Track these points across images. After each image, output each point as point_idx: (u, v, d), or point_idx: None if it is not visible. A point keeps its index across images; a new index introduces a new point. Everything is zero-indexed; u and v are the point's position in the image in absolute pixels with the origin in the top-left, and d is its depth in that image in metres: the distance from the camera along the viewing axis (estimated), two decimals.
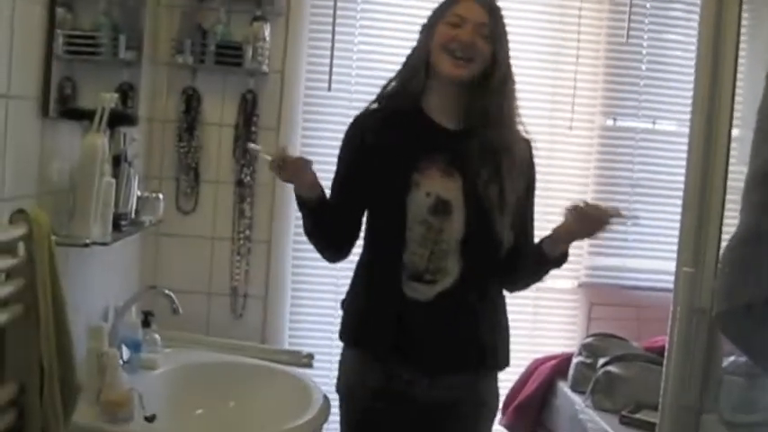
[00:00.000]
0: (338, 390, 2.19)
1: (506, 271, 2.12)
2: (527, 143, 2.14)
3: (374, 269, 2.13)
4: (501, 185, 2.03)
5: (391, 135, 2.08)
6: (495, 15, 2.06)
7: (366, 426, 2.15)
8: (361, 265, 2.17)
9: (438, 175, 2.04)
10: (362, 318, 2.14)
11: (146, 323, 2.67)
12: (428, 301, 2.04)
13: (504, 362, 2.17)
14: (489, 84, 2.04)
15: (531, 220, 2.20)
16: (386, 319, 2.06)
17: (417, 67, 2.09)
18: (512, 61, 2.10)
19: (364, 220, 2.15)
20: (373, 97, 2.18)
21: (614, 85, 3.52)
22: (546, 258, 2.06)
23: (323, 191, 2.10)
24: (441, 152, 2.05)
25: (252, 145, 2.83)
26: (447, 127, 2.09)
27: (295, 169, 2.00)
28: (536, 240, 2.13)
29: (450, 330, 2.05)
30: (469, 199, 2.03)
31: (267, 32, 3.11)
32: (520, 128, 2.13)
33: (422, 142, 2.07)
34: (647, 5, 3.48)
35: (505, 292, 2.21)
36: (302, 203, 2.08)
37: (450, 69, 2.03)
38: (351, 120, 2.21)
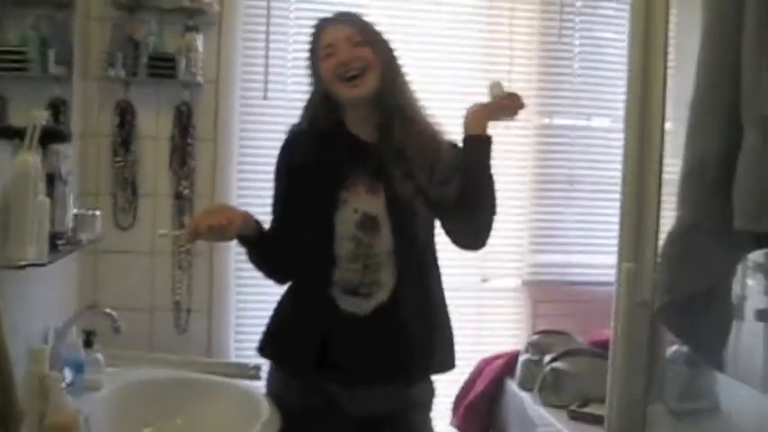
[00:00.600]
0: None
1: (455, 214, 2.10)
2: (440, 129, 2.14)
3: (303, 286, 2.15)
4: (414, 179, 2.04)
5: (317, 154, 2.10)
6: (358, 24, 2.09)
7: None
8: (291, 285, 2.20)
9: (363, 191, 2.06)
10: (288, 334, 2.15)
11: (87, 343, 2.60)
12: (365, 315, 2.05)
13: (446, 366, 2.18)
14: (383, 88, 2.06)
15: None
16: (313, 335, 2.07)
17: (318, 106, 2.12)
18: (398, 56, 2.12)
19: None
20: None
21: (549, 84, 3.56)
22: (471, 142, 2.07)
23: (258, 223, 2.11)
24: (364, 167, 2.07)
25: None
26: (367, 141, 2.10)
27: (218, 228, 1.98)
28: None
29: (384, 342, 2.05)
30: (393, 210, 2.05)
31: (200, 43, 3.09)
32: (426, 114, 2.14)
33: (346, 159, 2.09)
34: (578, 4, 3.55)
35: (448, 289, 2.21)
36: (241, 240, 2.09)
37: (349, 93, 2.05)
38: (288, 128, 2.21)
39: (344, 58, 2.03)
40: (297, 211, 2.11)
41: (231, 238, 2.06)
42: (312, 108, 2.14)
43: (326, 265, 2.06)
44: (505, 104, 2.06)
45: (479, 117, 2.07)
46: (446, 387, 3.39)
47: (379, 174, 2.06)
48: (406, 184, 2.04)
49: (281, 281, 2.23)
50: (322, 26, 2.10)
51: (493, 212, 2.13)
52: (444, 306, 2.20)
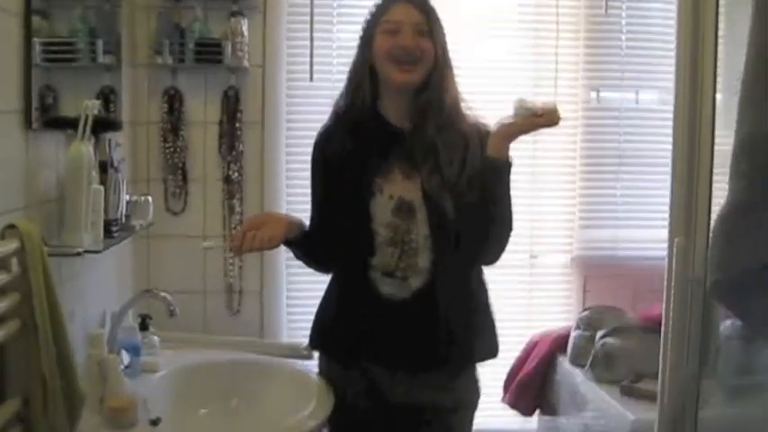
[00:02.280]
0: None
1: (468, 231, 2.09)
2: (486, 131, 2.10)
3: (345, 273, 2.19)
4: (442, 175, 2.04)
5: (351, 143, 2.12)
6: (428, 11, 2.07)
7: (347, 425, 2.19)
8: (334, 271, 2.24)
9: (400, 178, 2.07)
10: (332, 321, 2.20)
11: (143, 326, 2.66)
12: (404, 299, 2.06)
13: (488, 354, 2.19)
14: (429, 81, 2.05)
15: None
16: (355, 319, 2.11)
17: (361, 82, 2.11)
18: (449, 49, 2.11)
19: None
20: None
21: (596, 57, 3.51)
22: (488, 165, 2.03)
23: (301, 224, 2.16)
24: (400, 153, 2.07)
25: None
26: (403, 128, 2.10)
27: (262, 237, 2.05)
28: None
29: (425, 328, 2.07)
30: (428, 196, 2.05)
31: (245, 27, 3.10)
32: (468, 114, 2.13)
33: (381, 146, 2.10)
34: None
35: (490, 273, 2.21)
36: (286, 243, 2.14)
37: (399, 77, 2.04)
38: (333, 101, 2.22)
39: (407, 43, 2.02)
40: (335, 201, 2.14)
41: (282, 234, 2.10)
42: (356, 78, 2.13)
43: (365, 252, 2.08)
44: (538, 122, 1.97)
45: (501, 140, 2.01)
46: (498, 364, 3.40)
47: (414, 160, 2.06)
48: (433, 177, 2.04)
49: (327, 272, 2.27)
50: (392, 0, 2.08)
51: (507, 231, 2.13)
52: (485, 292, 2.20)
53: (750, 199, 1.46)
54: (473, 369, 2.21)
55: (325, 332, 2.22)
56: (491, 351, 2.19)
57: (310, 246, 2.19)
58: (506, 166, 2.04)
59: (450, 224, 2.04)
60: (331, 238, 2.16)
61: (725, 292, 1.56)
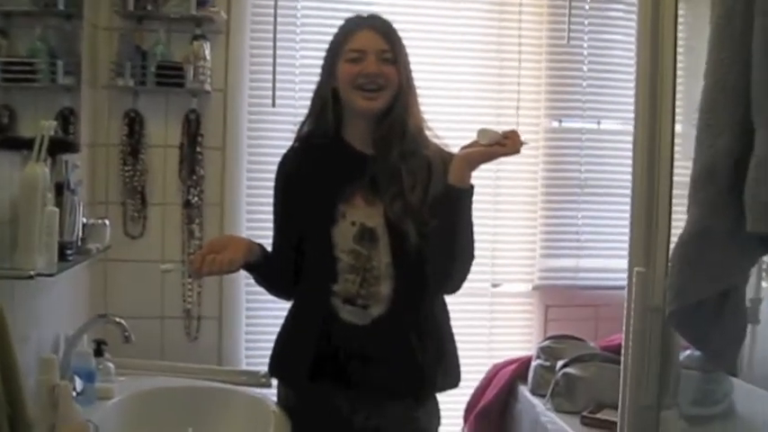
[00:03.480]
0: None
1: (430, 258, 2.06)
2: (449, 156, 2.08)
3: (306, 300, 2.17)
4: (405, 201, 2.02)
5: (314, 168, 2.11)
6: (392, 38, 2.06)
7: None
8: (295, 298, 2.21)
9: (362, 204, 2.06)
10: (293, 347, 2.17)
11: (98, 352, 2.61)
12: (364, 326, 2.04)
13: (449, 383, 2.16)
14: (393, 107, 2.05)
15: None
16: (315, 345, 2.08)
17: (324, 107, 2.10)
18: (413, 76, 2.11)
19: None
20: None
21: (558, 87, 3.55)
22: (450, 192, 1.99)
23: (261, 248, 2.13)
24: (363, 179, 2.06)
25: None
26: (367, 153, 2.09)
27: (222, 260, 2.01)
28: None
29: (387, 357, 2.05)
30: (391, 223, 2.03)
31: (208, 51, 3.09)
32: (432, 140, 2.12)
33: (344, 171, 2.08)
34: (586, 6, 3.53)
35: (451, 300, 2.20)
36: (246, 267, 2.11)
37: (363, 105, 2.03)
38: (295, 127, 2.20)
39: (371, 70, 2.01)
40: (297, 226, 2.12)
41: (242, 257, 2.06)
42: (320, 103, 2.12)
43: (327, 278, 2.06)
44: (500, 151, 1.94)
45: (463, 168, 1.98)
46: (459, 393, 3.39)
47: (377, 186, 2.05)
48: (396, 203, 2.02)
49: (288, 297, 2.25)
50: (355, 26, 2.07)
51: (469, 259, 2.11)
52: (447, 321, 2.18)
53: (708, 227, 1.47)
54: (434, 397, 2.19)
55: (284, 358, 2.20)
56: (452, 381, 2.17)
57: (271, 270, 2.16)
58: (468, 193, 2.02)
59: (412, 251, 2.02)
60: (292, 263, 2.14)
61: (682, 321, 1.56)
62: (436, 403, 2.19)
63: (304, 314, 2.16)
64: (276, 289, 2.25)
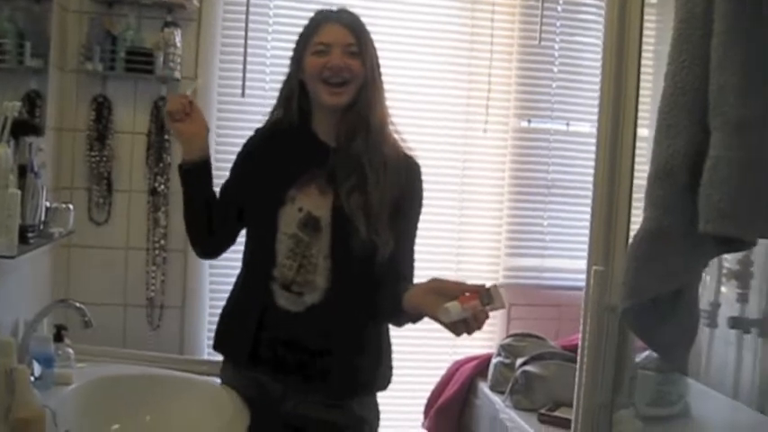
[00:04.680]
0: None
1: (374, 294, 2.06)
2: (406, 159, 2.11)
3: (246, 280, 2.18)
4: (366, 196, 2.02)
5: (276, 151, 2.12)
6: (359, 32, 2.07)
7: None
8: (238, 277, 2.22)
9: (315, 193, 2.06)
10: (230, 326, 2.19)
11: (58, 337, 2.59)
12: (297, 313, 2.05)
13: (375, 384, 2.16)
14: (358, 100, 2.06)
15: (407, 240, 2.13)
16: (249, 327, 2.09)
17: (291, 98, 2.12)
18: (380, 71, 2.11)
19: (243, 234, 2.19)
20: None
21: (528, 87, 3.57)
22: (401, 308, 1.96)
23: (209, 160, 2.16)
24: (321, 169, 2.07)
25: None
26: (329, 144, 2.10)
27: (197, 122, 2.08)
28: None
29: (316, 345, 2.06)
30: (338, 217, 2.04)
31: (179, 39, 3.07)
32: (394, 137, 2.12)
33: (305, 159, 2.10)
34: (559, 8, 3.55)
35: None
36: (188, 171, 2.14)
37: (329, 98, 2.04)
38: (265, 116, 2.23)
39: (336, 63, 2.02)
40: (244, 201, 2.13)
41: (201, 144, 2.13)
42: (287, 94, 2.14)
43: (267, 260, 2.07)
44: (459, 330, 1.84)
45: (421, 309, 1.91)
46: (418, 389, 3.40)
47: (334, 178, 2.06)
48: (353, 196, 2.03)
49: (201, 252, 2.27)
50: (323, 20, 2.08)
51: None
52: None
53: (663, 226, 1.49)
54: (371, 392, 2.18)
55: (223, 337, 2.21)
56: (381, 383, 2.17)
57: (206, 203, 2.16)
58: (412, 321, 2.01)
59: (356, 247, 2.02)
60: (224, 223, 2.16)
61: (635, 318, 1.58)
62: (373, 397, 2.19)
63: (244, 295, 2.17)
64: (198, 230, 2.20)
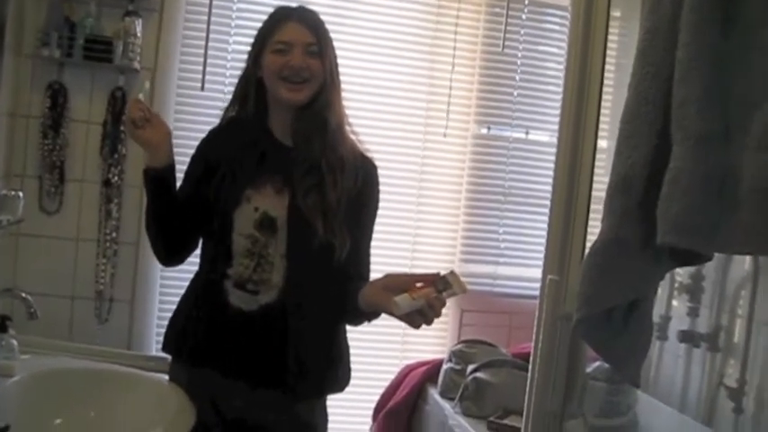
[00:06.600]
0: None
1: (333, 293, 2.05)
2: (363, 159, 2.10)
3: (201, 279, 2.15)
4: (323, 196, 2.01)
5: (232, 150, 2.09)
6: (319, 31, 2.06)
7: None
8: (193, 276, 2.19)
9: (271, 192, 2.04)
10: (181, 323, 2.15)
11: (2, 328, 2.54)
12: (251, 312, 2.03)
13: (334, 386, 2.14)
14: (316, 100, 2.05)
15: (363, 240, 2.13)
16: (200, 325, 2.08)
17: (248, 94, 2.10)
18: (339, 71, 2.10)
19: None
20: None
21: (489, 94, 3.58)
22: (356, 307, 1.97)
23: (174, 164, 2.09)
24: (277, 169, 2.05)
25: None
26: (285, 143, 2.09)
27: (160, 128, 2.03)
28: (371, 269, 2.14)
29: (268, 345, 2.04)
30: (294, 216, 2.02)
31: (139, 28, 3.04)
32: (350, 138, 2.11)
33: (260, 158, 2.07)
34: (523, 17, 3.56)
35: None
36: (153, 178, 2.06)
37: (287, 95, 2.03)
38: (222, 113, 2.19)
39: (297, 63, 2.00)
40: (202, 201, 2.08)
41: (165, 150, 2.05)
42: (244, 91, 2.11)
43: (223, 260, 2.05)
44: (416, 322, 1.81)
45: (376, 305, 1.91)
46: (368, 393, 3.39)
47: (290, 178, 2.04)
48: (310, 196, 2.02)
49: (163, 256, 2.19)
50: (283, 17, 2.05)
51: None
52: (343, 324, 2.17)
53: (619, 237, 1.49)
54: (321, 395, 2.17)
55: (173, 335, 2.18)
56: (338, 384, 2.15)
57: (170, 205, 2.10)
58: (368, 320, 2.02)
59: (313, 247, 2.01)
60: (185, 226, 2.11)
61: (588, 329, 1.58)
62: (322, 401, 2.17)
63: (197, 294, 2.15)
64: (159, 233, 2.14)
